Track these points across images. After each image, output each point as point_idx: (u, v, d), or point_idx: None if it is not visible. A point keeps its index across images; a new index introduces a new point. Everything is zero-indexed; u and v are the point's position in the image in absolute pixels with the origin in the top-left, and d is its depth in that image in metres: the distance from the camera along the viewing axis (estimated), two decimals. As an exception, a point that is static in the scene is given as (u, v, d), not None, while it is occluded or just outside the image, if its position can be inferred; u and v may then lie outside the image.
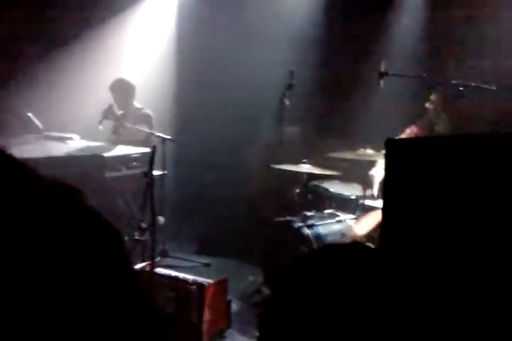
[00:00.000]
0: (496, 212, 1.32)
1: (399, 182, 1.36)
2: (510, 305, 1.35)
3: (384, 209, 1.39)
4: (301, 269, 1.13)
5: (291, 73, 5.43)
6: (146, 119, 6.32)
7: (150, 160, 4.42)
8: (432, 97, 5.37)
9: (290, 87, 5.46)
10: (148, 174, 4.37)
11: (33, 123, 6.02)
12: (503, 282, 1.35)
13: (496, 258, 1.34)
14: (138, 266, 4.71)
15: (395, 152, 1.35)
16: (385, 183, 1.38)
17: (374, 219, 4.81)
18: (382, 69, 4.93)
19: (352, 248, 1.16)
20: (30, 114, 6.03)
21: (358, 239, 4.66)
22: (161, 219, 5.69)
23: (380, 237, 1.42)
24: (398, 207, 1.36)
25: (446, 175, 1.36)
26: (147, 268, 4.55)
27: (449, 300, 1.37)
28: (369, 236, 4.75)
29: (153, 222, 4.36)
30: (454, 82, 4.82)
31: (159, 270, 4.66)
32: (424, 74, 4.99)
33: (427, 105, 5.41)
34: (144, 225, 4.61)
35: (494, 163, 1.36)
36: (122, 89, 6.39)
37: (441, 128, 5.49)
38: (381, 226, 1.43)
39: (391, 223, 1.35)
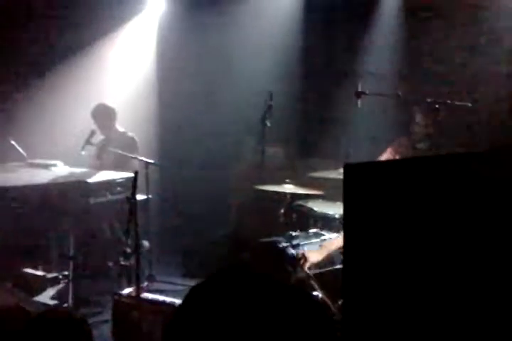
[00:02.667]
0: (452, 233, 1.36)
1: (358, 207, 1.39)
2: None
3: (345, 234, 1.41)
4: (203, 289, 1.18)
5: (270, 95, 5.51)
6: (130, 143, 6.34)
7: (132, 185, 4.43)
8: (418, 119, 5.44)
9: (270, 108, 5.55)
10: (130, 199, 4.38)
11: (17, 150, 6.05)
12: (462, 307, 1.38)
13: (456, 280, 1.37)
14: (124, 291, 4.73)
15: (354, 176, 1.39)
16: (344, 209, 1.41)
17: (330, 246, 4.82)
18: (360, 88, 5.01)
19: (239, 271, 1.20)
20: (13, 142, 6.06)
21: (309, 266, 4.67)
22: (145, 243, 5.70)
23: (342, 262, 1.45)
24: (358, 232, 1.38)
25: (405, 198, 1.39)
26: (133, 294, 4.56)
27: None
28: (320, 263, 4.76)
29: (138, 247, 4.37)
30: (429, 99, 4.90)
31: (146, 295, 4.66)
32: (400, 93, 5.07)
33: (410, 124, 5.49)
34: (128, 250, 4.61)
35: (454, 185, 1.39)
36: (104, 115, 6.43)
37: (423, 146, 5.56)
38: (343, 252, 1.45)
39: (352, 248, 1.38)
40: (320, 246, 4.82)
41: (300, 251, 4.89)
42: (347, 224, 1.42)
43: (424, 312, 1.37)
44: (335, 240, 4.87)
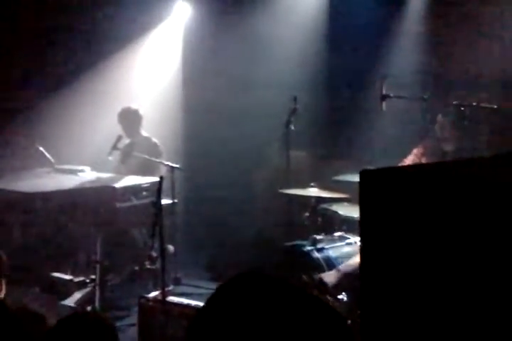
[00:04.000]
0: (471, 242, 1.35)
1: (374, 213, 1.39)
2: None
3: (362, 242, 1.42)
4: (224, 294, 1.18)
5: (295, 98, 5.53)
6: (154, 148, 6.39)
7: (158, 189, 4.47)
8: (439, 118, 5.41)
9: (294, 111, 5.56)
10: (156, 204, 4.42)
11: (45, 156, 6.13)
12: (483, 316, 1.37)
13: (476, 287, 1.37)
14: (150, 295, 4.77)
15: (370, 183, 1.39)
16: (361, 215, 1.41)
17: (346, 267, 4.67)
18: (384, 91, 4.99)
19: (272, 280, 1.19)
20: (41, 148, 6.14)
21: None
22: (170, 247, 5.73)
23: (360, 270, 1.45)
24: (375, 239, 1.38)
25: (422, 205, 1.39)
26: (159, 297, 4.60)
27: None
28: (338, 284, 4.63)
29: (163, 251, 4.40)
30: (455, 102, 4.86)
31: (171, 298, 4.69)
32: (425, 96, 5.04)
33: (436, 127, 5.45)
34: (154, 254, 4.66)
35: (473, 191, 1.39)
36: (130, 118, 6.50)
37: (450, 148, 5.52)
38: (360, 261, 1.45)
39: (369, 256, 1.38)
40: (337, 269, 4.71)
41: (317, 276, 4.76)
42: (364, 231, 1.42)
43: (441, 318, 1.37)
44: (351, 261, 4.75)
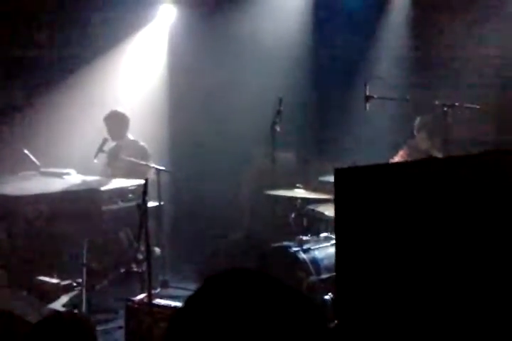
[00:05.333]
0: (441, 236, 1.37)
1: (349, 210, 1.40)
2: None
3: (336, 237, 1.43)
4: (200, 298, 1.16)
5: (280, 100, 5.54)
6: (141, 152, 6.37)
7: (143, 192, 4.48)
8: (416, 122, 5.48)
9: (279, 113, 5.57)
10: (141, 206, 4.42)
11: (30, 159, 6.11)
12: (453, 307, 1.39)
13: (447, 281, 1.38)
14: (137, 298, 4.76)
15: (344, 180, 1.40)
16: (336, 212, 1.42)
17: None
18: (368, 92, 5.02)
19: (259, 276, 1.19)
20: (26, 151, 6.13)
21: None
22: (157, 250, 5.74)
23: (335, 266, 1.46)
24: (349, 235, 1.40)
25: (395, 202, 1.41)
26: (146, 300, 4.60)
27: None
28: None
29: (149, 254, 4.40)
30: (437, 102, 4.89)
31: (158, 301, 4.69)
32: (408, 97, 5.08)
33: (414, 128, 5.51)
34: (140, 257, 4.66)
35: (444, 188, 1.41)
36: (116, 121, 6.48)
37: (435, 151, 5.57)
38: (335, 256, 1.46)
39: (344, 252, 1.39)
40: None
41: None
42: (338, 228, 1.43)
43: (414, 312, 1.39)
44: None
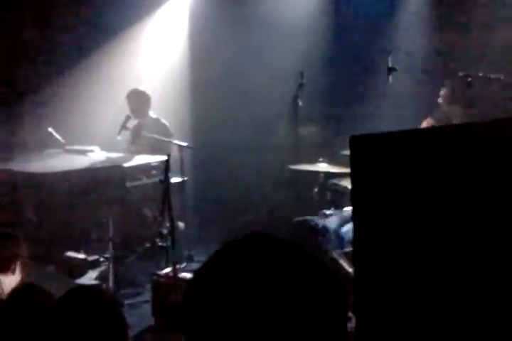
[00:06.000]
0: (461, 205, 1.35)
1: (365, 179, 1.39)
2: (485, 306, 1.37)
3: (353, 210, 1.42)
4: (222, 260, 1.15)
5: (302, 74, 5.50)
6: (164, 130, 6.37)
7: (165, 167, 4.51)
8: (441, 92, 5.40)
9: (301, 86, 5.54)
10: (164, 181, 4.45)
11: (55, 137, 6.17)
12: (478, 283, 1.37)
13: (467, 254, 1.37)
14: (162, 272, 4.82)
15: (360, 148, 1.39)
16: (352, 181, 1.41)
17: None
18: (390, 64, 4.96)
19: (277, 241, 1.18)
20: (51, 129, 6.18)
21: None
22: (181, 224, 5.78)
23: (353, 239, 1.45)
24: (367, 206, 1.39)
25: (413, 169, 1.39)
26: (171, 274, 4.66)
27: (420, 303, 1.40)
28: None
29: (173, 228, 4.44)
30: (460, 73, 4.82)
31: (183, 275, 4.75)
32: (431, 68, 5.01)
33: (439, 100, 5.43)
34: (164, 231, 4.70)
35: (462, 155, 1.39)
36: (138, 99, 6.49)
37: (457, 121, 5.51)
38: (353, 228, 1.45)
39: (362, 223, 1.39)
40: None
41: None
42: (355, 198, 1.42)
43: (434, 282, 1.38)
44: None
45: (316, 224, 5.12)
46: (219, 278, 1.12)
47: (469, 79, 4.75)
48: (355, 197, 1.43)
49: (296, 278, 1.11)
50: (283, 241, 1.18)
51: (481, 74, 4.78)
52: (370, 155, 1.41)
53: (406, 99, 6.26)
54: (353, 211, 1.44)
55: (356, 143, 1.40)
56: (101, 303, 2.09)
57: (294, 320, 1.07)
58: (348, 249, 4.91)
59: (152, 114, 6.57)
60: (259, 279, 1.09)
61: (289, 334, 1.07)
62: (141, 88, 6.56)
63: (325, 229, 5.08)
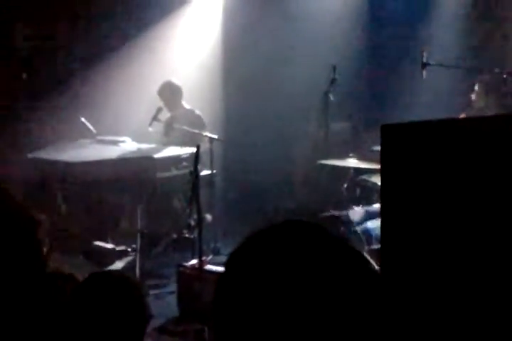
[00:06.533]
0: (492, 200, 1.32)
1: (395, 170, 1.36)
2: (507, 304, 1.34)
3: (382, 203, 1.39)
4: (256, 245, 1.10)
5: (334, 68, 5.47)
6: (196, 121, 6.37)
7: (195, 159, 4.51)
8: (476, 88, 5.31)
9: (333, 81, 5.51)
10: (193, 173, 4.46)
11: (87, 127, 6.21)
12: (501, 280, 1.34)
13: (497, 253, 1.33)
14: (188, 264, 4.83)
15: (392, 138, 1.36)
16: (382, 170, 1.38)
17: None
18: (424, 59, 4.90)
19: (293, 225, 1.14)
20: (83, 119, 6.23)
21: None
22: (208, 217, 5.78)
23: (381, 229, 1.42)
24: (396, 198, 1.36)
25: (445, 160, 1.36)
26: (197, 266, 4.66)
27: (447, 298, 1.37)
28: None
29: (200, 219, 4.45)
30: (496, 70, 4.74)
31: (210, 267, 4.75)
32: (466, 64, 4.93)
33: (472, 96, 5.35)
34: (192, 223, 4.71)
35: (495, 147, 1.35)
36: (170, 92, 6.49)
37: (490, 111, 5.42)
38: (381, 224, 1.42)
39: (390, 218, 1.36)
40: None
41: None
42: (384, 188, 1.40)
43: (458, 277, 1.35)
44: None
45: (345, 221, 5.08)
46: (253, 268, 1.07)
47: (505, 75, 4.67)
48: (384, 188, 1.40)
49: (335, 269, 1.06)
50: (321, 229, 1.13)
51: (516, 71, 4.70)
52: (402, 144, 1.38)
53: (440, 95, 6.18)
54: (381, 204, 1.42)
55: (388, 132, 1.37)
56: (124, 288, 2.09)
57: (332, 314, 1.03)
58: (376, 246, 4.87)
59: (186, 105, 6.57)
60: (294, 269, 1.04)
61: (328, 329, 1.03)
62: (174, 81, 6.56)
63: (354, 225, 5.04)
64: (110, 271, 4.16)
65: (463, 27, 6.45)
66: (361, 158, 5.40)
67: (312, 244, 1.08)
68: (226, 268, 1.12)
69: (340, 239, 1.11)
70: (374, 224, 5.10)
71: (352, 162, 5.39)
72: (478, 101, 5.38)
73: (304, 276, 1.04)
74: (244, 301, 1.05)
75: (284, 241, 1.09)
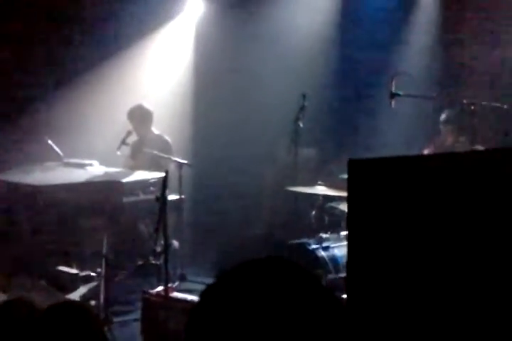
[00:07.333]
0: (458, 231, 1.32)
1: (362, 204, 1.36)
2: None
3: (348, 234, 1.39)
4: (223, 286, 1.12)
5: (304, 96, 5.51)
6: (165, 146, 6.33)
7: (163, 184, 4.47)
8: (442, 117, 5.41)
9: (303, 108, 5.55)
10: (160, 198, 4.42)
11: (54, 150, 6.14)
12: (468, 308, 1.34)
13: (461, 281, 1.34)
14: (154, 290, 4.76)
15: (359, 173, 1.36)
16: (348, 205, 1.38)
17: None
18: (393, 90, 4.95)
19: (272, 262, 1.15)
20: (50, 142, 6.15)
21: None
22: (175, 243, 5.73)
23: (346, 262, 1.42)
24: (363, 229, 1.35)
25: (409, 196, 1.36)
26: (162, 293, 4.59)
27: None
28: None
29: (167, 246, 4.39)
30: (465, 101, 4.82)
31: (175, 294, 4.68)
32: (435, 94, 5.01)
33: (440, 125, 5.44)
34: (158, 249, 4.65)
35: (461, 182, 1.36)
36: (140, 116, 6.45)
37: (460, 147, 5.50)
38: (347, 253, 1.42)
39: (355, 248, 1.35)
40: None
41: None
42: (350, 222, 1.39)
43: (426, 308, 1.34)
44: None
45: (312, 248, 5.08)
46: (228, 303, 1.08)
47: (472, 107, 4.74)
48: (350, 220, 1.39)
49: (306, 309, 1.08)
50: (299, 269, 1.14)
51: (484, 103, 4.77)
52: (368, 179, 1.37)
53: (409, 124, 6.26)
54: (348, 234, 1.41)
55: (355, 166, 1.37)
56: (84, 320, 2.04)
57: None
58: (344, 273, 4.86)
59: (155, 130, 6.54)
60: (266, 307, 1.06)
61: None
62: (144, 105, 6.53)
63: (321, 253, 5.04)
64: (70, 301, 4.08)
65: (433, 55, 6.57)
66: (329, 185, 5.42)
67: (288, 284, 1.10)
68: (201, 299, 1.13)
69: (315, 280, 1.12)
70: (341, 252, 5.12)
71: (320, 189, 5.41)
72: (448, 137, 5.48)
73: (274, 315, 1.05)
74: (216, 335, 1.06)
75: (260, 278, 1.10)
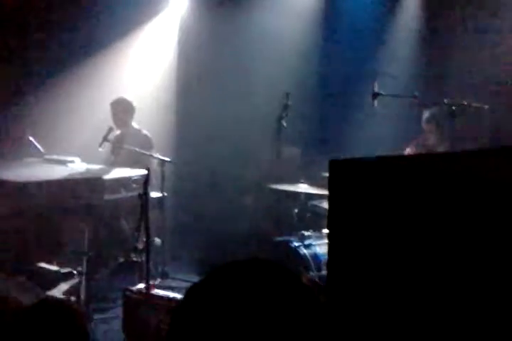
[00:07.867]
0: (439, 234, 1.33)
1: (342, 204, 1.37)
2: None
3: (329, 233, 1.40)
4: (208, 285, 1.13)
5: (287, 94, 5.51)
6: (144, 141, 6.35)
7: (145, 181, 4.46)
8: (425, 115, 5.45)
9: (286, 107, 5.55)
10: (142, 196, 4.41)
11: (35, 146, 6.10)
12: (448, 312, 1.35)
13: (442, 284, 1.35)
14: (135, 287, 4.75)
15: (340, 173, 1.37)
16: (329, 205, 1.39)
17: None
18: (376, 89, 4.98)
19: (252, 263, 1.16)
20: (31, 138, 6.11)
21: None
22: (157, 240, 5.72)
23: (327, 263, 1.43)
24: (344, 230, 1.36)
25: (392, 196, 1.37)
26: (144, 290, 4.58)
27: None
28: None
29: (148, 243, 4.39)
30: (446, 101, 4.85)
31: (157, 291, 4.67)
32: (417, 94, 5.03)
33: (422, 124, 5.48)
34: (140, 246, 4.64)
35: (442, 184, 1.37)
36: (122, 108, 6.44)
37: (442, 146, 5.54)
38: (328, 253, 1.42)
39: (337, 247, 1.36)
40: None
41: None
42: (331, 221, 1.40)
43: (405, 307, 1.35)
44: None
45: (294, 246, 5.09)
46: (212, 303, 1.09)
47: (453, 107, 4.78)
48: (331, 221, 1.40)
49: (289, 310, 1.09)
50: (281, 268, 1.15)
51: (465, 103, 4.81)
52: (349, 179, 1.38)
53: (391, 123, 6.30)
54: (329, 235, 1.42)
55: (336, 166, 1.38)
56: (67, 316, 2.04)
57: None
58: (325, 271, 4.88)
59: (135, 124, 6.53)
60: (249, 308, 1.07)
61: None
62: (127, 98, 6.52)
63: (302, 250, 5.06)
64: (54, 298, 4.06)
65: (414, 55, 6.62)
66: (312, 183, 5.45)
67: (270, 285, 1.11)
68: (185, 298, 1.14)
69: (297, 280, 1.13)
70: (323, 250, 5.13)
71: (303, 187, 5.43)
72: (430, 136, 5.51)
73: (256, 314, 1.06)
74: (200, 332, 1.07)
75: (244, 278, 1.11)
